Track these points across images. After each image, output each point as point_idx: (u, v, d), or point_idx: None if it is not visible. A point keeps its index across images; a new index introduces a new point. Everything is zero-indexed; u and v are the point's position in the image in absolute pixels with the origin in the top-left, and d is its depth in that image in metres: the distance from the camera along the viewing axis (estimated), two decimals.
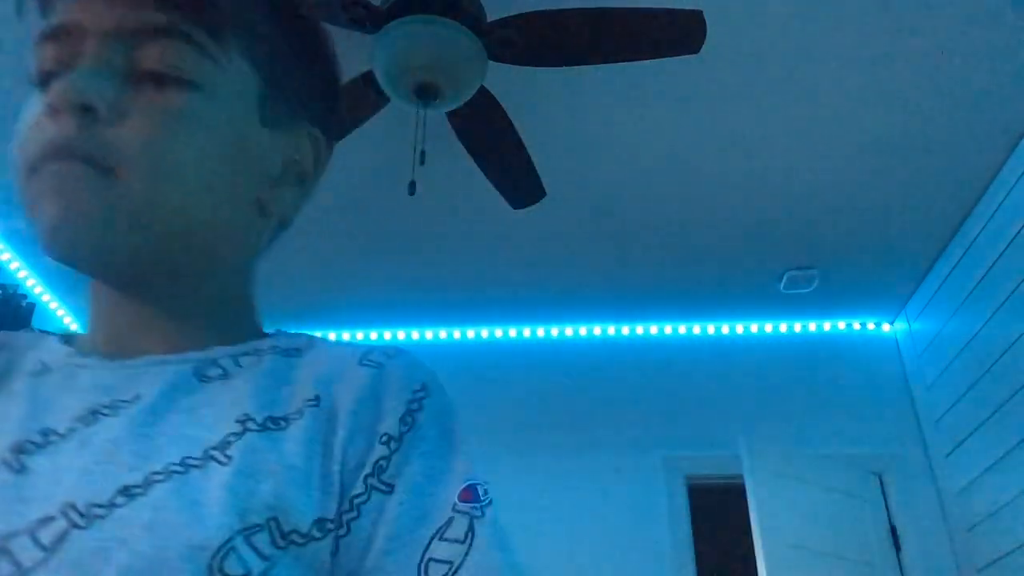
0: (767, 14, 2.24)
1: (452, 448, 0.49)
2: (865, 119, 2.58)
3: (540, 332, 3.68)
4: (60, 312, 3.56)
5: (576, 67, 2.19)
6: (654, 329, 3.70)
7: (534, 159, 2.38)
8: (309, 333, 0.57)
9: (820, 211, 2.99)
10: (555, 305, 3.55)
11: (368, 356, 0.52)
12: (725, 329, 3.69)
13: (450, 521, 0.45)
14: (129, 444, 0.44)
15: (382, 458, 0.47)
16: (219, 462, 0.44)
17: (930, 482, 3.31)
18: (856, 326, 3.72)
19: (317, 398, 0.48)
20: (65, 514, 0.41)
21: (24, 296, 3.13)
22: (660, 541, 3.17)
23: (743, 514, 2.83)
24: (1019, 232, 2.71)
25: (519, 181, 2.45)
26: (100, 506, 0.41)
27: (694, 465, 3.36)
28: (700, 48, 2.01)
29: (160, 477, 0.42)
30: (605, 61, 2.10)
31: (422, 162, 2.06)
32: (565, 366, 3.59)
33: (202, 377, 0.49)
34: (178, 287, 0.53)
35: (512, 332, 3.67)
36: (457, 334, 3.67)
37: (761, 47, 2.34)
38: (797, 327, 3.69)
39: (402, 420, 0.48)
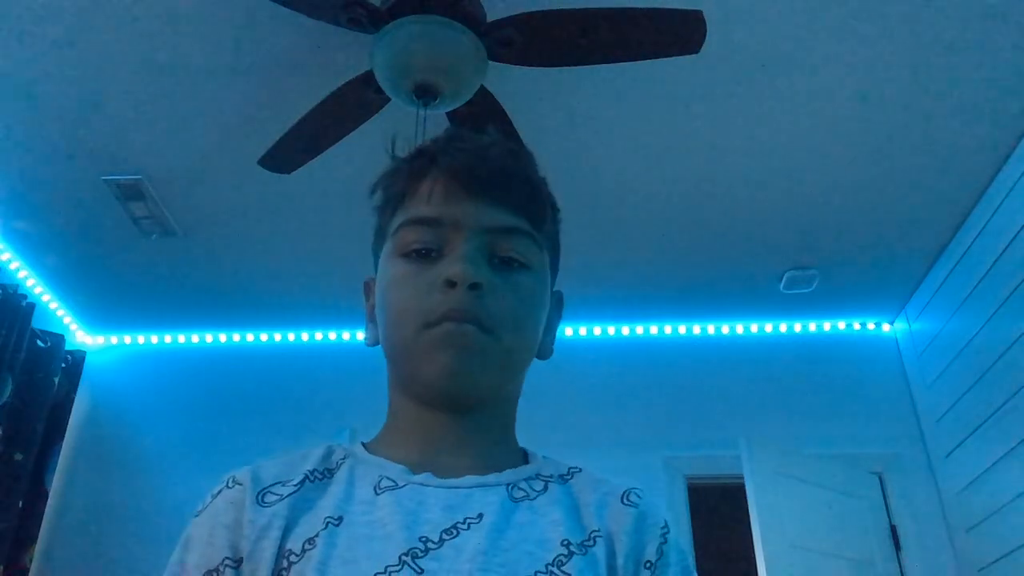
0: (767, 14, 2.24)
1: (686, 573, 0.67)
2: (865, 119, 2.58)
3: None
4: (60, 312, 3.56)
5: (576, 67, 2.19)
6: (654, 329, 3.70)
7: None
8: (557, 458, 0.75)
9: (820, 211, 2.99)
10: None
11: (627, 496, 0.69)
12: (725, 329, 3.69)
13: None
14: (492, 556, 0.60)
15: None
16: None
17: (930, 482, 3.31)
18: (856, 326, 3.71)
19: (599, 530, 0.65)
20: None
21: (24, 296, 3.14)
22: None
23: (743, 514, 2.83)
24: (1019, 232, 2.71)
25: None
26: None
27: (694, 465, 3.36)
28: (700, 48, 2.01)
29: None
30: (605, 61, 2.10)
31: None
32: (565, 366, 3.59)
33: (512, 498, 0.66)
34: (493, 413, 0.72)
35: None
36: None
37: (761, 47, 2.34)
38: (797, 327, 3.69)
39: (657, 550, 0.66)
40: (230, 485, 0.67)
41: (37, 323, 3.22)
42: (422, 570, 0.58)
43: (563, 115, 2.57)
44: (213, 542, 0.63)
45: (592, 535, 0.64)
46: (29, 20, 2.24)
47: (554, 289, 0.79)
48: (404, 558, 0.59)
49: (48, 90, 2.46)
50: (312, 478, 0.67)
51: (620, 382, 3.57)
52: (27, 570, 3.10)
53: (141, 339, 3.75)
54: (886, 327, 3.71)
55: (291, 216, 2.99)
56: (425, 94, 2.02)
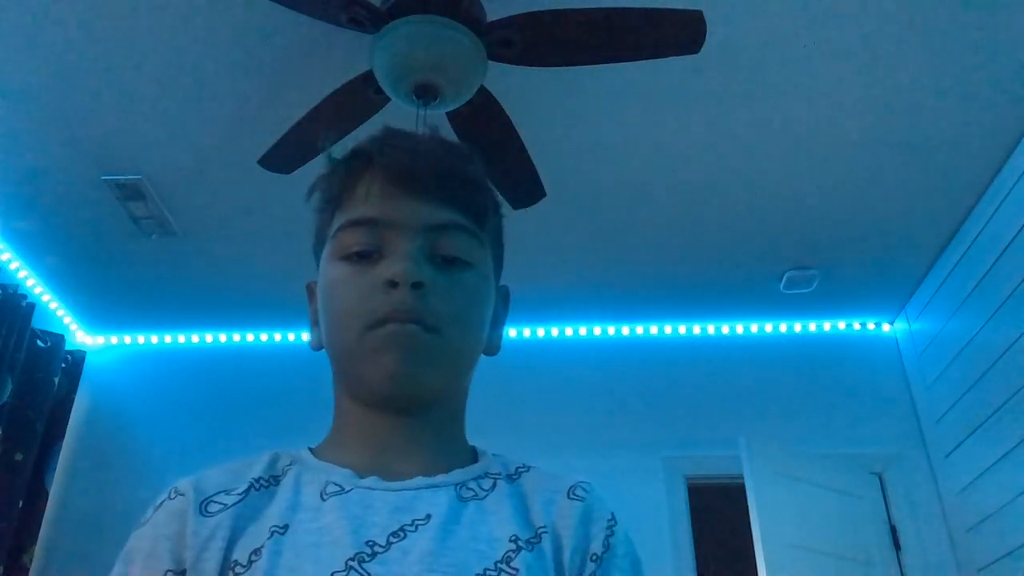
0: (767, 14, 2.24)
1: (633, 565, 0.68)
2: (865, 119, 2.59)
3: (540, 332, 3.68)
4: (60, 312, 3.56)
5: (576, 67, 2.19)
6: (654, 329, 3.70)
7: (534, 159, 2.38)
8: (508, 456, 0.74)
9: (820, 211, 2.99)
10: (555, 305, 3.54)
11: (573, 491, 0.69)
12: (725, 329, 3.69)
13: None
14: (440, 556, 0.60)
15: (591, 573, 0.64)
16: (508, 573, 0.60)
17: (930, 482, 3.31)
18: (856, 326, 3.71)
19: (545, 526, 0.65)
20: None
21: (24, 296, 3.14)
22: (660, 541, 3.17)
23: (743, 514, 2.83)
24: (1019, 232, 2.71)
25: (519, 181, 2.45)
26: None
27: (694, 465, 3.36)
28: (700, 48, 2.01)
29: None
30: (605, 61, 2.10)
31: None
32: (565, 366, 3.59)
33: (460, 497, 0.66)
34: (441, 413, 0.71)
35: (512, 332, 3.66)
36: None
37: (761, 47, 2.34)
38: (797, 327, 3.69)
39: (603, 543, 0.66)
40: (172, 496, 0.65)
41: (37, 323, 3.22)
42: (369, 574, 0.58)
43: (563, 115, 2.57)
44: (155, 554, 0.62)
45: (539, 531, 0.64)
46: (30, 21, 2.24)
47: (500, 284, 0.78)
48: (351, 563, 0.58)
49: (48, 90, 2.46)
50: (258, 486, 0.66)
51: (620, 382, 3.57)
52: (27, 570, 3.10)
53: (141, 339, 3.75)
54: (886, 327, 3.71)
55: (291, 216, 2.98)
56: (425, 94, 2.02)
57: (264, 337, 3.74)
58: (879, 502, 3.26)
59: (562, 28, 2.00)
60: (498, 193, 0.78)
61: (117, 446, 3.48)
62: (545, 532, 0.65)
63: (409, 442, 0.69)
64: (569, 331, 3.69)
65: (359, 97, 2.16)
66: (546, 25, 2.00)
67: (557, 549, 0.64)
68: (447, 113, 2.19)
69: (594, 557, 0.65)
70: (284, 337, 3.74)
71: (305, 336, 3.73)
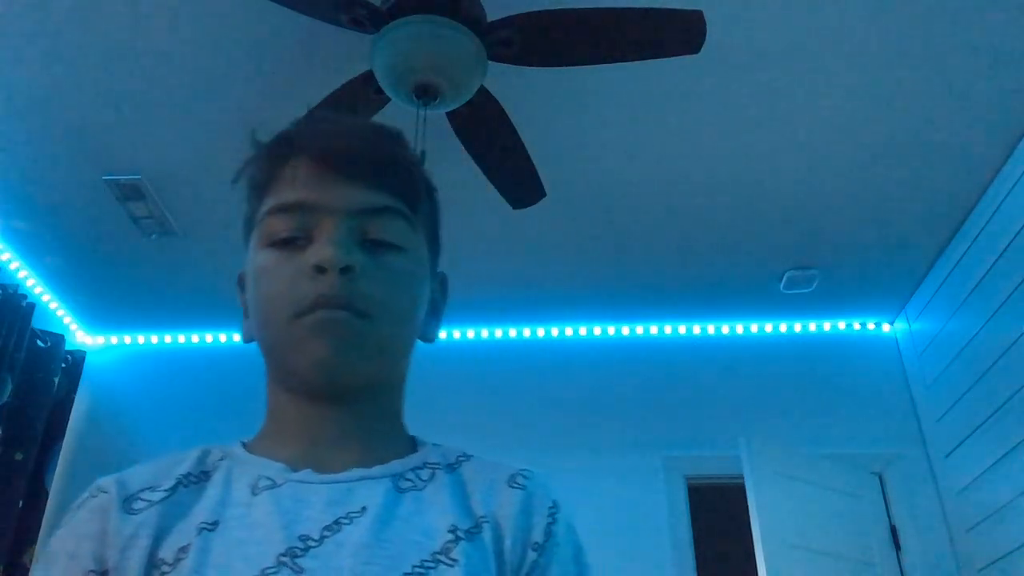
0: (767, 14, 2.24)
1: (576, 554, 0.67)
2: (865, 119, 2.59)
3: (540, 332, 3.68)
4: (60, 312, 3.56)
5: (576, 67, 2.19)
6: (654, 329, 3.70)
7: (534, 159, 2.38)
8: (449, 445, 0.72)
9: (820, 211, 2.99)
10: (555, 305, 3.54)
11: (514, 479, 0.67)
12: (725, 329, 3.69)
13: None
14: (375, 549, 0.58)
15: (532, 562, 0.63)
16: (447, 564, 0.59)
17: (930, 482, 3.31)
18: (856, 326, 3.71)
19: (485, 516, 0.64)
20: None
21: (24, 296, 3.13)
22: (660, 541, 3.17)
23: (743, 514, 2.83)
24: (1019, 232, 2.71)
25: (519, 181, 2.45)
26: None
27: (694, 465, 3.36)
28: (700, 48, 2.01)
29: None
30: (605, 61, 2.10)
31: (422, 162, 2.06)
32: (565, 366, 3.59)
33: (398, 488, 0.64)
34: (376, 402, 0.69)
35: (512, 332, 3.67)
36: (457, 334, 3.67)
37: (761, 47, 2.34)
38: (797, 327, 3.69)
39: (544, 531, 0.65)
40: (94, 494, 0.64)
41: (37, 323, 3.22)
42: (302, 569, 0.56)
43: (563, 115, 2.57)
44: (77, 554, 0.60)
45: (479, 521, 0.63)
46: (30, 23, 2.24)
47: (437, 271, 0.76)
48: (282, 559, 0.56)
49: (48, 91, 2.46)
50: (186, 483, 0.64)
51: (620, 382, 3.57)
52: (27, 570, 3.09)
53: (141, 339, 3.75)
54: (886, 327, 3.71)
55: None
56: (425, 94, 2.03)
57: None
58: (879, 502, 3.26)
59: (562, 28, 2.00)
60: (431, 175, 0.76)
61: (117, 446, 3.47)
62: (486, 521, 0.63)
63: (343, 433, 0.67)
64: (569, 331, 3.68)
65: (359, 97, 2.16)
66: (546, 25, 2.01)
67: (498, 539, 0.62)
68: (447, 113, 2.19)
69: (535, 546, 0.63)
70: None
71: None
